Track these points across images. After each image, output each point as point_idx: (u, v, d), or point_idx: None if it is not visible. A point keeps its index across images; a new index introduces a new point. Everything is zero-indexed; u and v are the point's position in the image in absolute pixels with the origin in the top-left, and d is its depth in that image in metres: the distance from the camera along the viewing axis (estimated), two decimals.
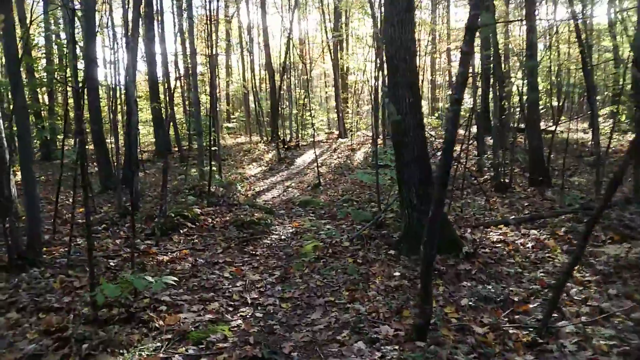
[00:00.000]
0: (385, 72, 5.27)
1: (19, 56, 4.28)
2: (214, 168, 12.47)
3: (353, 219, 5.82)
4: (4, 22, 3.85)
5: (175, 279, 3.35)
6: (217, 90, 31.36)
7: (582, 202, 7.86)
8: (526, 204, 8.58)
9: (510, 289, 4.13)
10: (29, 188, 4.53)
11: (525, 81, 10.24)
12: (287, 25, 21.88)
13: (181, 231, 6.38)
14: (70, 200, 9.40)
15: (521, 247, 5.47)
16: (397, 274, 4.36)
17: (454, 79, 29.19)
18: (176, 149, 18.97)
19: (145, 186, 11.18)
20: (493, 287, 4.13)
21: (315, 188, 11.42)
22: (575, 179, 11.18)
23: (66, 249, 5.39)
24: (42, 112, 16.78)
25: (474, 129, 14.45)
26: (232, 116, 30.13)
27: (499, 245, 5.50)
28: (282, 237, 6.62)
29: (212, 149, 14.26)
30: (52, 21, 16.09)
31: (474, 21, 2.37)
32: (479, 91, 15.17)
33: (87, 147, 12.26)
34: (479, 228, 6.35)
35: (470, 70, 14.21)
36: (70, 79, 13.57)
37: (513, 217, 7.10)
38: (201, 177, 11.70)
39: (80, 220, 7.13)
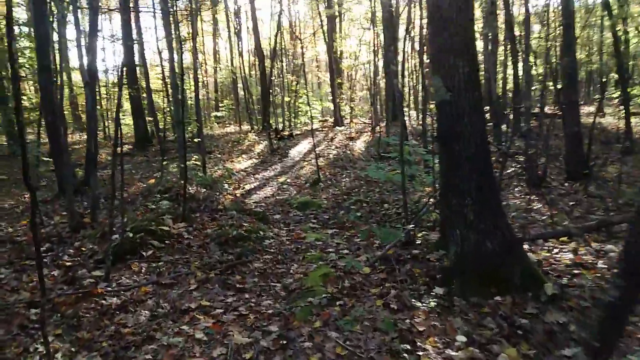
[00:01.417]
0: (425, 35, 3.67)
1: None
2: (196, 163, 10.90)
3: (381, 241, 4.27)
4: None
5: None
6: (204, 76, 29.58)
7: None
8: (571, 202, 7.13)
9: None
10: None
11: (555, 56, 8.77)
12: (277, 8, 20.19)
13: (145, 254, 4.81)
14: (21, 208, 7.79)
15: (608, 274, 4.00)
16: (461, 338, 2.84)
17: None
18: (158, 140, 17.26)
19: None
20: None
21: (314, 185, 9.88)
22: (610, 169, 9.74)
23: None
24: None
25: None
26: (220, 104, 28.30)
27: (577, 271, 4.01)
28: (279, 257, 5.09)
29: (196, 140, 12.65)
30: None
31: None
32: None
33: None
34: (536, 242, 4.87)
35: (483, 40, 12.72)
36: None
37: (574, 224, 5.62)
38: (181, 175, 10.11)
39: (19, 239, 5.54)
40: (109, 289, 3.94)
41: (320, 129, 21.70)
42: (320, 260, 4.85)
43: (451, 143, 3.42)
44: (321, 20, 23.49)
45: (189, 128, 14.06)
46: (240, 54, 24.85)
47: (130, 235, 4.77)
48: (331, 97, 23.21)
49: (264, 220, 7.04)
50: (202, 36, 28.53)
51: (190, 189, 7.86)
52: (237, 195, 9.25)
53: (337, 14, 22.19)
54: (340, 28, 25.53)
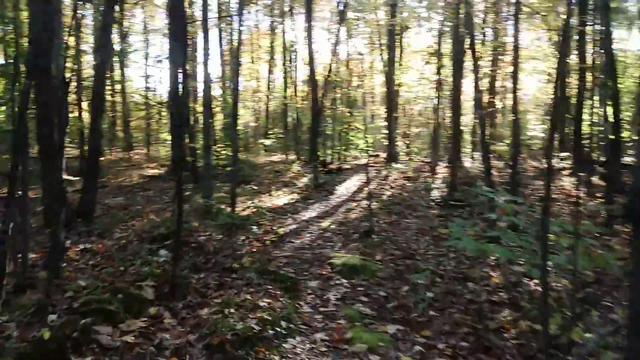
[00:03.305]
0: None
1: None
2: (221, 194, 9.11)
3: None
4: None
5: None
6: (257, 102, 28.56)
7: None
8: None
9: None
10: None
11: None
12: (333, 39, 18.78)
13: None
14: None
15: None
16: None
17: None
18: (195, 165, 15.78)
19: (117, 217, 7.81)
20: None
21: (365, 237, 7.73)
22: None
23: None
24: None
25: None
26: (270, 132, 27.01)
27: None
28: None
29: (228, 169, 10.99)
30: None
31: None
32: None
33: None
34: None
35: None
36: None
37: None
38: (206, 209, 8.36)
39: None
40: None
41: (372, 164, 19.64)
42: None
43: None
44: (381, 51, 21.87)
45: (223, 153, 12.46)
46: (294, 83, 23.62)
47: (54, 333, 2.80)
48: (384, 131, 21.24)
49: (293, 289, 4.96)
50: (257, 63, 27.82)
51: (202, 235, 5.97)
52: (267, 242, 7.27)
53: (400, 27, 20.31)
54: (401, 59, 23.85)
